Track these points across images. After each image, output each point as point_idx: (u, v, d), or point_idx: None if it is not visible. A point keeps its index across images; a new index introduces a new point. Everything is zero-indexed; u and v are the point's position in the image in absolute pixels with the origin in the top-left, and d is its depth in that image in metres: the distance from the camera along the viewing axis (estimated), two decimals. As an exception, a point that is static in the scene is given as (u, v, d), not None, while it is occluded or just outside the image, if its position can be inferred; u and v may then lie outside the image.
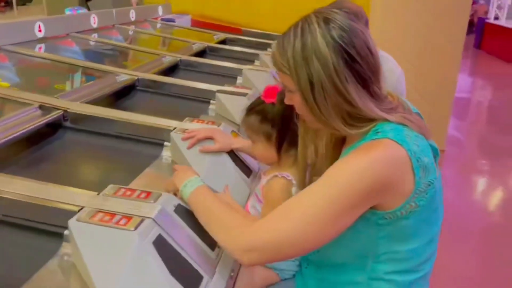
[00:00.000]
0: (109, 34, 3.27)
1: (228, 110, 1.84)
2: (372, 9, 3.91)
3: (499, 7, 10.70)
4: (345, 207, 0.88)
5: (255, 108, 1.25)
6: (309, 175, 1.16)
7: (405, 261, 0.97)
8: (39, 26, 2.56)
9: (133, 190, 0.95)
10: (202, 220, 0.99)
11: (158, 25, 4.07)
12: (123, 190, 0.95)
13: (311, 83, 0.92)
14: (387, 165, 0.88)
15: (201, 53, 3.11)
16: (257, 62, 2.89)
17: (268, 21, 4.67)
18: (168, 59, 2.59)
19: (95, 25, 3.13)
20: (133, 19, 3.75)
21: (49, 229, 0.92)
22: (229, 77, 2.50)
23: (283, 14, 4.55)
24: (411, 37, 3.90)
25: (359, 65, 0.92)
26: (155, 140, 1.45)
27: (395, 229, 0.94)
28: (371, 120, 0.94)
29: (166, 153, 1.39)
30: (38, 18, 2.69)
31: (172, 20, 4.20)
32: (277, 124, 1.22)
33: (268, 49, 3.47)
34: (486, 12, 11.73)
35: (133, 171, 1.24)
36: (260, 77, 2.35)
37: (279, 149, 1.23)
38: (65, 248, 0.86)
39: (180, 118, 1.82)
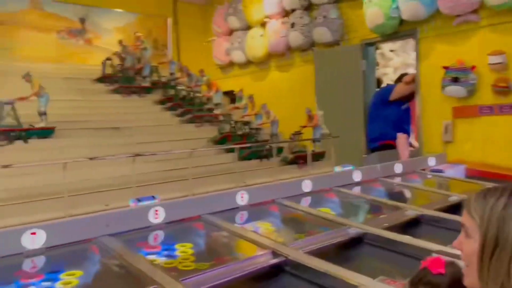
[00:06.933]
0: (371, 187, 3.59)
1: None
2: None
3: None
4: None
5: (422, 280, 1.25)
6: None
7: None
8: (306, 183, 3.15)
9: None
10: None
11: (425, 176, 4.13)
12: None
13: (496, 242, 0.95)
14: None
15: (456, 207, 2.99)
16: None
17: None
18: (407, 212, 2.67)
19: (358, 179, 3.54)
20: (398, 172, 3.96)
21: None
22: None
23: None
24: None
25: None
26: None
27: None
28: None
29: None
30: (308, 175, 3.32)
31: (440, 171, 4.19)
32: None
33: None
34: None
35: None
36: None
37: None
38: None
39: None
